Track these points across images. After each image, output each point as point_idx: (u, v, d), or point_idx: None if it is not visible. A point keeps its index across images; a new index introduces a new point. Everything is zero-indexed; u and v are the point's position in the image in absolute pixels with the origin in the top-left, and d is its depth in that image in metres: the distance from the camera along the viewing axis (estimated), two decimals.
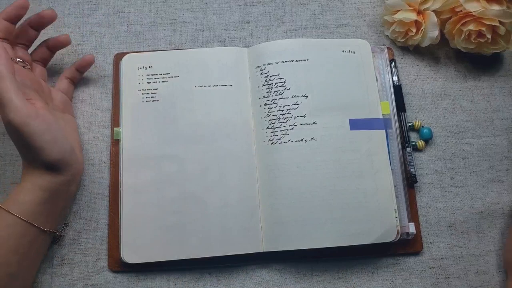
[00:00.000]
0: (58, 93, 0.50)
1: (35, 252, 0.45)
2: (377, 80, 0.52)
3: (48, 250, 0.47)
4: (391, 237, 0.47)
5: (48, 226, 0.44)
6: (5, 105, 0.40)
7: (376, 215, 0.47)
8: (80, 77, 0.53)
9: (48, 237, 0.45)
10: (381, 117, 0.51)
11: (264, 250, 0.47)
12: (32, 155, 0.43)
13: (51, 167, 0.43)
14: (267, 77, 0.51)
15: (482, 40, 0.52)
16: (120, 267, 0.47)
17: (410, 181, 0.51)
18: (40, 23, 0.49)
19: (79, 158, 0.48)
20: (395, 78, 0.54)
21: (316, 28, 0.58)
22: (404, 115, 0.53)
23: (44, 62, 0.51)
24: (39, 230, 0.44)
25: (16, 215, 0.42)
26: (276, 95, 0.50)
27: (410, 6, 0.53)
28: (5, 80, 0.40)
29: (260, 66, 0.52)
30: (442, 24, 0.54)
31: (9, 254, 0.42)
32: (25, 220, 0.42)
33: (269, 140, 0.49)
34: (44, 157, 0.42)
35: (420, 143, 0.53)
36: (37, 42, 0.50)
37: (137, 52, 0.54)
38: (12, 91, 0.40)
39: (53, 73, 0.54)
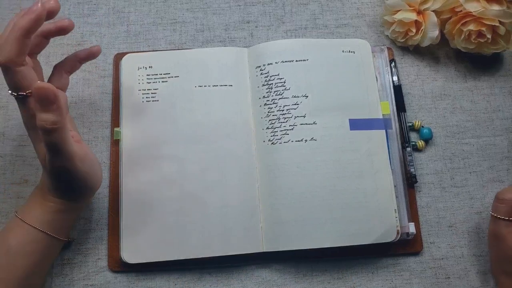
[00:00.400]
0: (63, 96, 0.43)
1: (52, 260, 0.45)
2: (377, 80, 0.52)
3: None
4: (391, 237, 0.47)
5: (66, 235, 0.45)
6: (59, 154, 0.37)
7: (376, 215, 0.47)
8: (77, 69, 0.48)
9: (62, 244, 0.45)
10: (381, 117, 0.51)
11: (264, 250, 0.47)
12: (71, 190, 0.42)
13: (87, 197, 0.44)
14: (267, 77, 0.51)
15: (482, 40, 0.52)
16: (120, 267, 0.47)
17: (410, 181, 0.51)
18: (57, 34, 0.44)
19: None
20: (395, 78, 0.54)
21: (316, 28, 0.57)
22: (404, 115, 0.53)
23: (70, 73, 0.47)
24: (61, 241, 0.44)
25: (47, 233, 0.42)
26: (276, 95, 0.50)
27: (410, 6, 0.53)
28: (63, 131, 0.36)
29: (260, 66, 0.52)
30: (442, 24, 0.54)
31: (33, 266, 0.42)
32: (55, 236, 0.42)
33: (269, 140, 0.49)
34: (86, 191, 0.43)
35: (420, 143, 0.53)
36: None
37: (137, 52, 0.54)
38: (68, 140, 0.37)
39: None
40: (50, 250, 0.43)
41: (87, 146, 0.43)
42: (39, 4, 0.37)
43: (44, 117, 0.35)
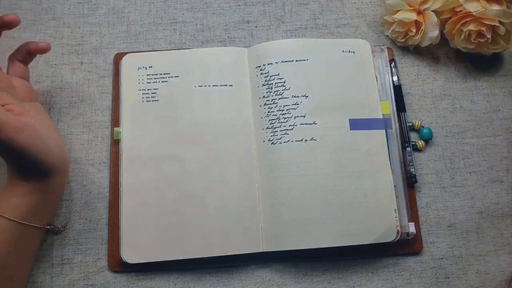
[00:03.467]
0: (17, 80, 0.46)
1: (31, 250, 0.44)
2: (377, 80, 0.52)
3: (41, 244, 0.46)
4: (391, 237, 0.47)
5: (44, 222, 0.44)
6: None
7: (376, 215, 0.47)
8: (31, 60, 0.48)
9: (42, 232, 0.45)
10: (381, 117, 0.51)
11: (264, 250, 0.47)
12: (24, 167, 0.41)
13: (46, 174, 0.42)
14: (267, 77, 0.51)
15: (482, 40, 0.52)
16: (120, 267, 0.47)
17: (410, 181, 0.51)
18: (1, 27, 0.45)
19: (64, 152, 0.45)
20: (395, 78, 0.54)
21: (316, 28, 0.57)
22: (404, 115, 0.53)
23: (25, 63, 0.48)
24: (36, 228, 0.43)
25: (13, 220, 0.41)
26: (276, 95, 0.50)
27: (410, 6, 0.53)
28: None
29: (260, 66, 0.52)
30: (442, 24, 0.54)
31: (6, 256, 0.41)
32: (22, 223, 0.41)
33: (269, 140, 0.49)
34: (38, 167, 0.41)
35: (420, 143, 0.53)
36: None
37: (137, 52, 0.54)
38: None
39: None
40: (26, 238, 0.42)
41: (34, 118, 0.41)
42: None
43: None
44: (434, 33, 0.53)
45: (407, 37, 0.55)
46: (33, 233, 0.43)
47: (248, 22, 0.58)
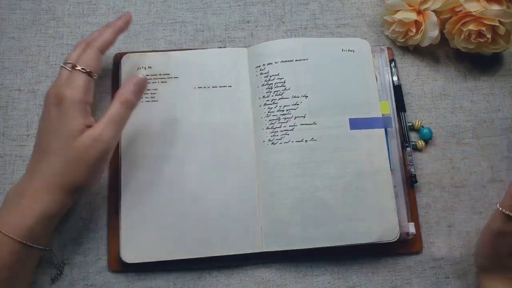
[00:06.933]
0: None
1: (30, 269, 0.43)
2: (377, 80, 0.52)
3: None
4: (391, 236, 0.47)
5: (46, 244, 0.42)
6: (121, 130, 0.43)
7: (376, 215, 0.47)
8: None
9: (40, 254, 0.43)
10: (380, 116, 0.51)
11: (264, 250, 0.47)
12: (85, 183, 0.42)
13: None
14: (266, 77, 0.51)
15: (482, 40, 0.52)
16: (120, 267, 0.47)
17: (410, 181, 0.51)
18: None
19: None
20: (395, 78, 0.54)
21: (316, 28, 0.57)
22: (404, 115, 0.53)
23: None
24: (39, 250, 0.41)
25: (24, 242, 0.39)
26: (276, 95, 0.50)
27: (410, 6, 0.53)
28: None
29: (259, 66, 0.52)
30: (442, 24, 0.54)
31: (5, 274, 0.39)
32: (32, 246, 0.40)
33: (269, 140, 0.49)
34: (94, 184, 0.45)
35: (420, 143, 0.53)
36: None
37: (136, 52, 0.54)
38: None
39: None
40: (28, 262, 0.41)
41: None
42: (120, 21, 0.46)
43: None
44: (434, 33, 0.53)
45: (407, 37, 0.55)
46: (34, 255, 0.42)
47: (248, 22, 0.58)
